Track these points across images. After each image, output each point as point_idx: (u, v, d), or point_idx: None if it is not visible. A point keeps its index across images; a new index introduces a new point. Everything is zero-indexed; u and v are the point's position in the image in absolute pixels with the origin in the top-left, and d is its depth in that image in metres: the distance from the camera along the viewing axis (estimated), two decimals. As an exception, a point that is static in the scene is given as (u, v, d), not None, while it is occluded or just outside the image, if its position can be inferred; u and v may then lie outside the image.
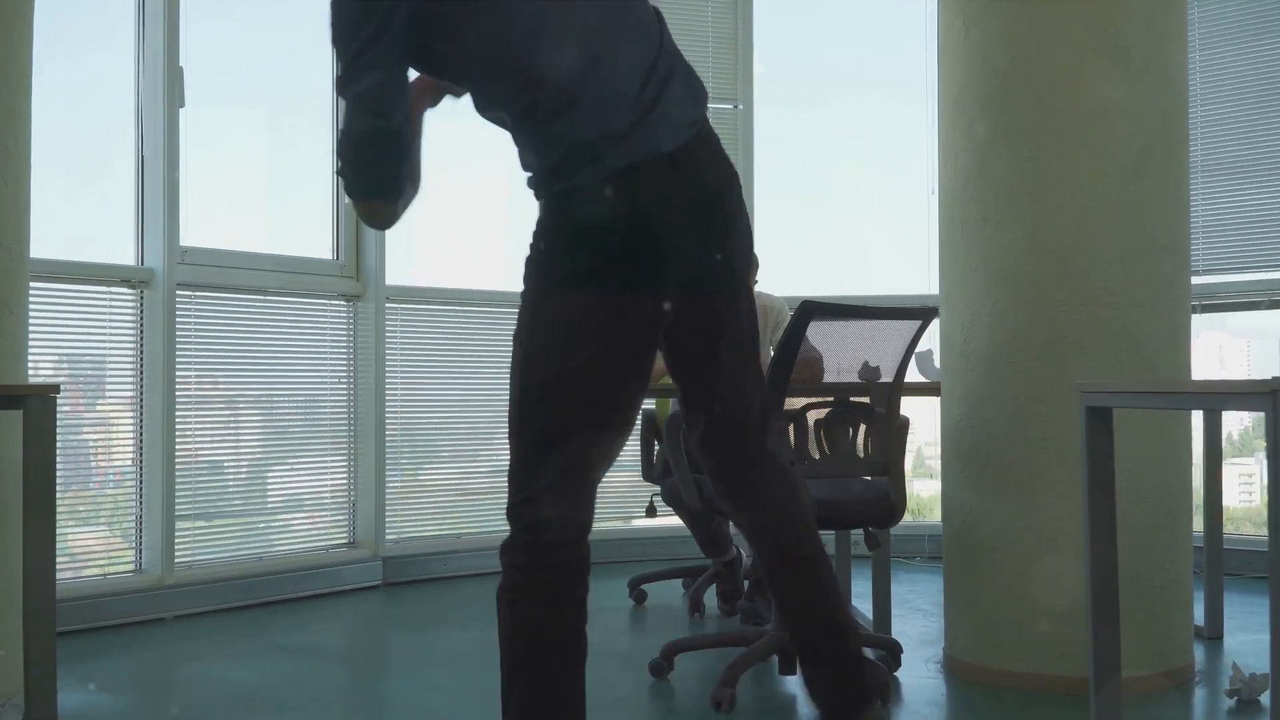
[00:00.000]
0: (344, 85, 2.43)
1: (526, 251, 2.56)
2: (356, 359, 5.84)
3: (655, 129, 2.45)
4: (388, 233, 5.79)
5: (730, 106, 6.65)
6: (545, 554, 2.44)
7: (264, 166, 5.84)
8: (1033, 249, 3.88)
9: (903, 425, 3.89)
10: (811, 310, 3.59)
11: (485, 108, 2.61)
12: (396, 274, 5.90)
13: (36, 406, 2.64)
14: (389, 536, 5.88)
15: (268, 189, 5.86)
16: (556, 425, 2.45)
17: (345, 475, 5.82)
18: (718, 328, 2.62)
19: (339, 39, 2.43)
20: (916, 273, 6.82)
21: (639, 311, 2.49)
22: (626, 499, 6.49)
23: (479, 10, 2.43)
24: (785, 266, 6.80)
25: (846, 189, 7.06)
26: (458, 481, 6.23)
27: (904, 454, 3.88)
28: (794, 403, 3.78)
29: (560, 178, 2.46)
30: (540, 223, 2.52)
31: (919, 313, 3.82)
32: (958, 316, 4.04)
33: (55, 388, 2.71)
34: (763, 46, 6.70)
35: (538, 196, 2.54)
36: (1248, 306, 6.17)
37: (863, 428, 3.84)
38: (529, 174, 2.55)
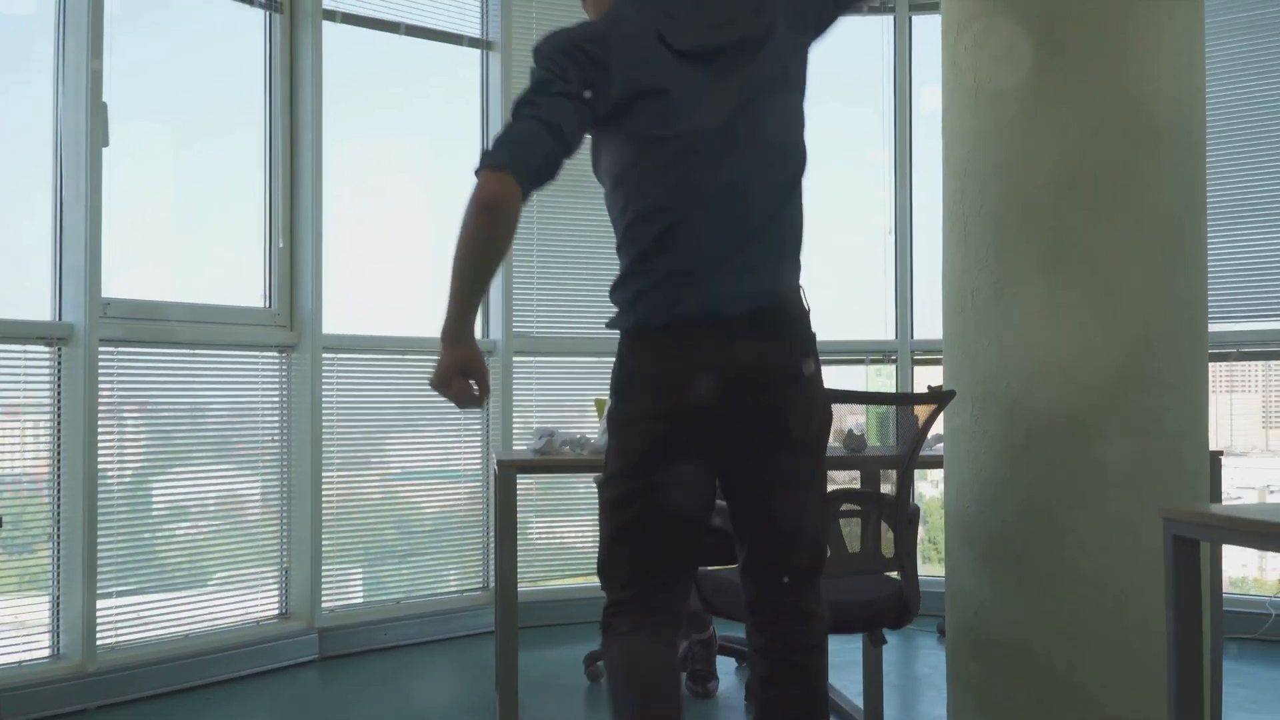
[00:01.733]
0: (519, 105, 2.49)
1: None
2: (291, 415, 5.42)
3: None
4: (325, 276, 5.40)
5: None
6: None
7: (189, 207, 5.39)
8: (1052, 326, 3.61)
9: (914, 515, 3.60)
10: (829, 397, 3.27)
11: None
12: (334, 321, 5.49)
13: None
14: (324, 605, 5.47)
15: (193, 231, 5.41)
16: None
17: (277, 541, 5.40)
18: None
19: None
20: (873, 316, 6.58)
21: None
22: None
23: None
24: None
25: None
26: (395, 543, 5.83)
27: (916, 546, 3.59)
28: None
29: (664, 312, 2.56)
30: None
31: (936, 396, 3.53)
32: (967, 394, 3.76)
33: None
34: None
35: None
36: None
37: (865, 518, 3.54)
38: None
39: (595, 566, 2.70)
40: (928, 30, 6.46)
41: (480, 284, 2.42)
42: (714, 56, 2.57)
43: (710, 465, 2.60)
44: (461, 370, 2.43)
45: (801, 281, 2.74)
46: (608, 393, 2.69)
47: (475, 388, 2.45)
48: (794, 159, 2.70)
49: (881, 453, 4.39)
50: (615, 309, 2.65)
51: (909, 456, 3.56)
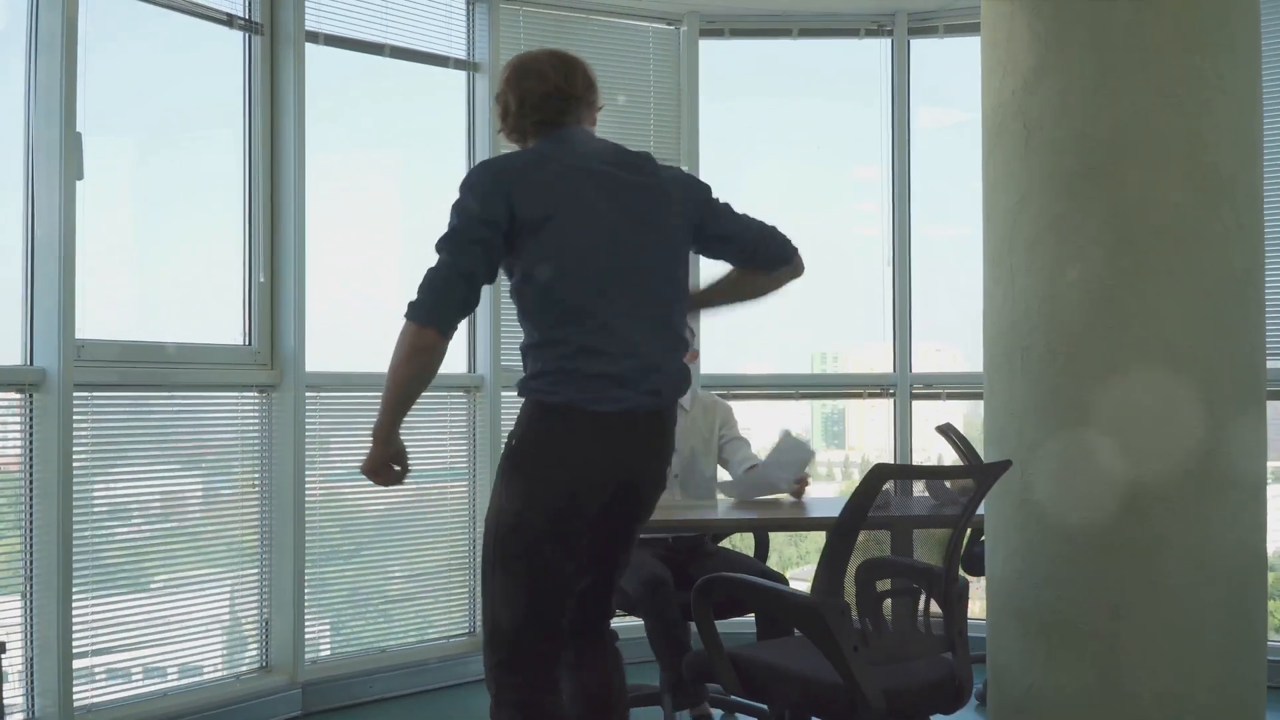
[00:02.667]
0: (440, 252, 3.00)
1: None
2: (272, 458, 5.13)
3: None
4: (308, 312, 5.13)
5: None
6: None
7: (164, 238, 5.10)
8: (1109, 390, 3.42)
9: (964, 590, 3.39)
10: (885, 473, 3.07)
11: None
12: (318, 359, 5.21)
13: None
14: (308, 657, 5.19)
15: (168, 264, 5.12)
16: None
17: (257, 590, 5.11)
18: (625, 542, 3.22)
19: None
20: (874, 348, 6.38)
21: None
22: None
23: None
24: (729, 339, 6.33)
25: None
26: (381, 587, 5.56)
27: (967, 623, 3.38)
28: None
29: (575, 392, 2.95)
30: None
31: (994, 468, 3.31)
32: (1014, 457, 3.55)
33: None
34: (708, 104, 6.16)
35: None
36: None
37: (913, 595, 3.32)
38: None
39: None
40: (926, 54, 6.26)
41: (409, 402, 3.00)
42: (617, 190, 3.03)
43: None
44: (392, 461, 3.07)
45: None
46: None
47: (398, 470, 3.11)
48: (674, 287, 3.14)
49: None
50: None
51: (960, 526, 3.34)
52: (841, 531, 3.06)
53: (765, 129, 6.53)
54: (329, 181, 5.33)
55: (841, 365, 6.59)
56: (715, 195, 3.25)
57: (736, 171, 6.37)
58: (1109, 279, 3.43)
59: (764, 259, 3.26)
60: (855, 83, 6.33)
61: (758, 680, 3.28)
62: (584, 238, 2.96)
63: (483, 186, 2.97)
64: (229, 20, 5.01)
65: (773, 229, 3.29)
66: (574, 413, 2.92)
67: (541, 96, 3.10)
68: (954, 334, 6.57)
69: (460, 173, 5.64)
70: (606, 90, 6.04)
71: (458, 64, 5.76)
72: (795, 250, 3.30)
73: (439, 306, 2.91)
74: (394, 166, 5.81)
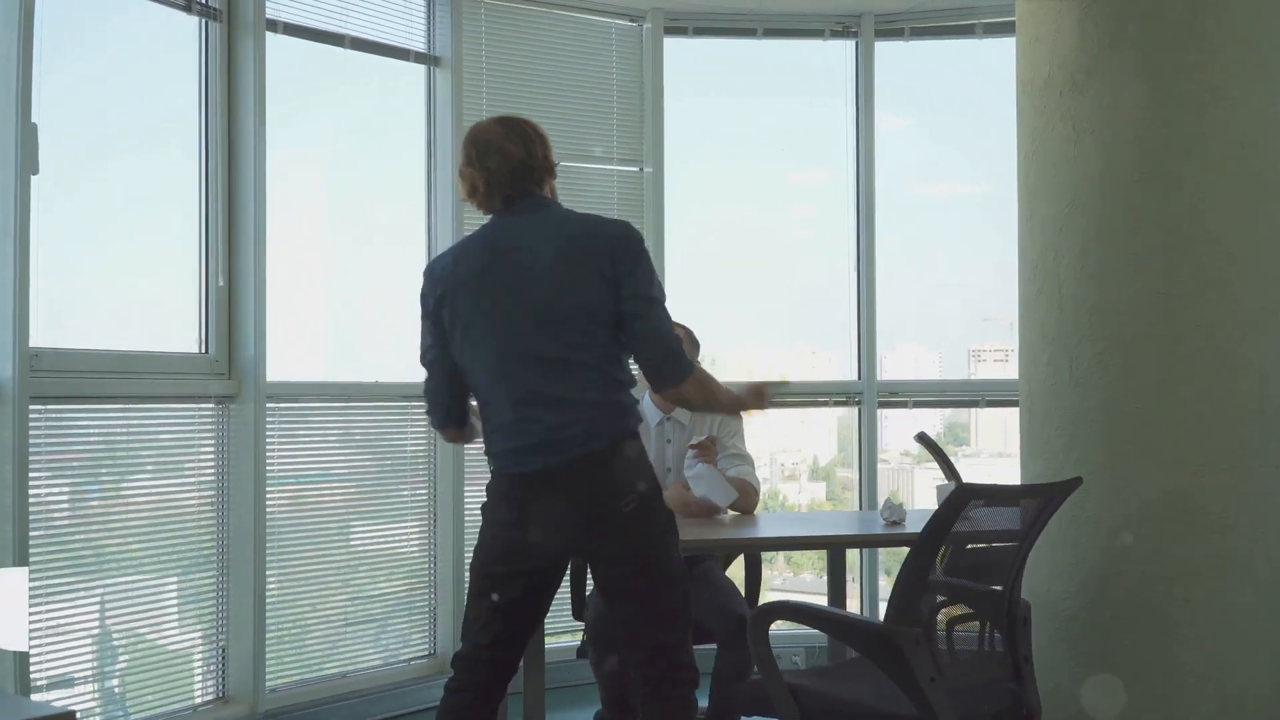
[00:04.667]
0: None
1: None
2: (229, 473, 4.80)
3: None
4: (269, 319, 4.82)
5: (636, 169, 5.90)
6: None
7: (115, 238, 4.75)
8: (1165, 401, 3.31)
9: (1027, 612, 3.24)
10: (971, 493, 2.90)
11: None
12: (279, 368, 4.90)
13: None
14: (269, 685, 4.87)
15: (120, 267, 4.77)
16: None
17: (214, 615, 4.78)
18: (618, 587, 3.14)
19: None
20: (835, 356, 6.25)
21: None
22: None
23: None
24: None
25: (761, 266, 6.39)
26: (343, 610, 5.25)
27: (1031, 648, 3.22)
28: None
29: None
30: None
31: (1065, 486, 3.16)
32: (1062, 471, 3.41)
33: None
34: (674, 103, 5.97)
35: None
36: None
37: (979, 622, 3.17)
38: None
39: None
40: (890, 57, 6.14)
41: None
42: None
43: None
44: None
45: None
46: None
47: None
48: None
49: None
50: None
51: (1024, 548, 3.19)
52: (921, 555, 2.89)
53: (727, 128, 6.35)
54: (287, 179, 5.02)
55: (809, 371, 6.43)
56: (641, 268, 3.11)
57: (698, 170, 6.19)
58: (1164, 288, 3.32)
59: (647, 364, 3.15)
60: (820, 83, 6.18)
61: (818, 712, 3.08)
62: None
63: None
64: (186, 5, 4.68)
65: (671, 347, 3.13)
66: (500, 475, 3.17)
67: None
68: (914, 339, 6.50)
69: (420, 170, 5.49)
70: (567, 87, 5.91)
71: (418, 57, 5.48)
72: (683, 378, 3.14)
73: (433, 412, 3.41)
74: (352, 163, 5.50)
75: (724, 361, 6.36)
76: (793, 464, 6.78)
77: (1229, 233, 3.31)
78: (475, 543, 3.26)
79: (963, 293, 6.35)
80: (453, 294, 3.13)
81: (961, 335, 6.55)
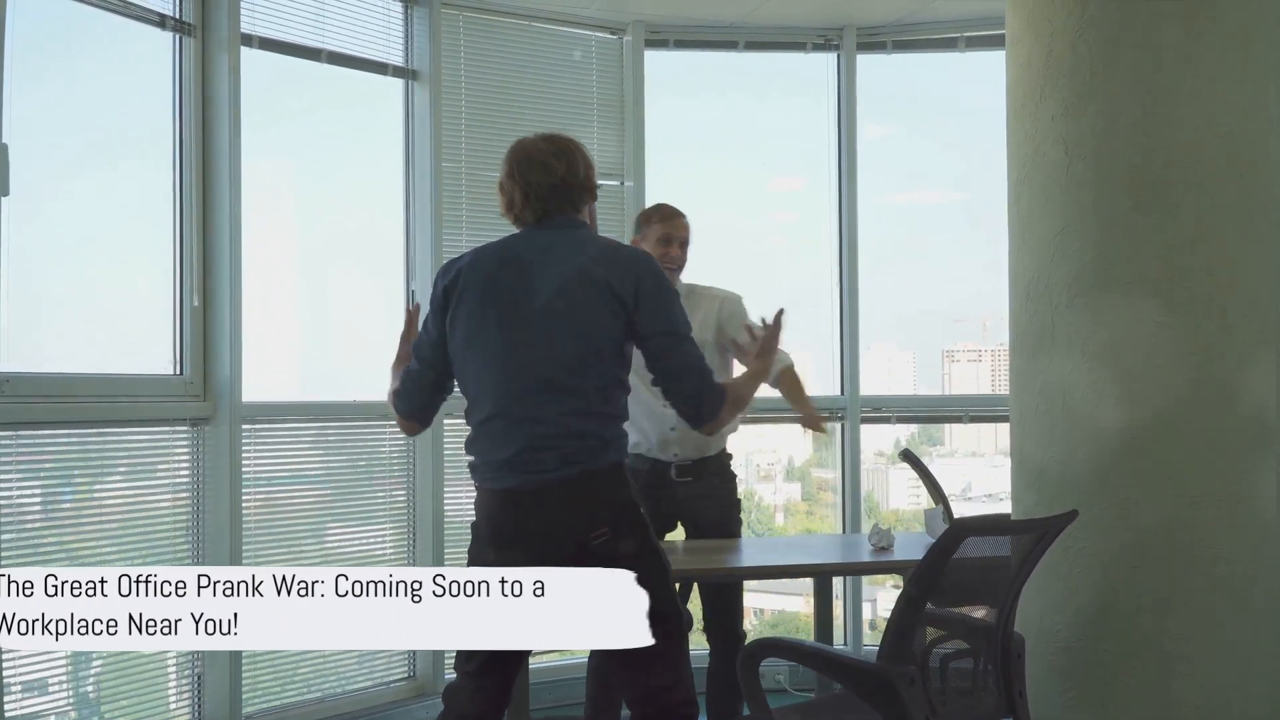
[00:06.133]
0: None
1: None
2: (203, 496, 4.71)
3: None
4: (244, 338, 4.73)
5: (617, 183, 5.83)
6: None
7: (87, 259, 4.65)
8: (1161, 432, 3.26)
9: (1021, 646, 3.19)
10: (968, 528, 2.84)
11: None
12: (256, 388, 4.81)
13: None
14: (245, 710, 4.78)
15: (92, 287, 4.67)
16: None
17: (190, 650, 4.67)
18: None
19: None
20: (817, 371, 6.19)
21: None
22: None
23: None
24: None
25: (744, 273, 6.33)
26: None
27: (1025, 683, 3.18)
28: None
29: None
30: None
31: (1060, 520, 3.11)
32: (1056, 504, 3.36)
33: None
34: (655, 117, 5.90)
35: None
36: None
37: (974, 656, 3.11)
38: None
39: None
40: (873, 70, 6.10)
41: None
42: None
43: None
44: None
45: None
46: None
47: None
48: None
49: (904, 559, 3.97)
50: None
51: (1018, 582, 3.14)
52: (917, 592, 2.84)
53: (708, 138, 6.30)
54: (264, 196, 4.93)
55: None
56: (663, 301, 3.06)
57: (679, 183, 6.12)
58: (1160, 316, 3.27)
59: (680, 403, 3.09)
60: (801, 94, 6.13)
61: None
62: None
63: None
64: (160, 21, 4.58)
65: (701, 387, 3.05)
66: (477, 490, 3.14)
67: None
68: (889, 339, 6.49)
69: (398, 186, 5.40)
70: (546, 100, 5.84)
71: (396, 71, 5.40)
72: (717, 413, 3.08)
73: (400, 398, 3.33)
74: (329, 179, 5.41)
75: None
76: (768, 464, 6.73)
77: (1225, 261, 3.26)
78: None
79: (935, 295, 6.31)
80: (463, 291, 3.08)
81: (935, 337, 6.55)
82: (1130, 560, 3.26)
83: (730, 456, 4.49)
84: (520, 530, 2.99)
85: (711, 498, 4.37)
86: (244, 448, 4.77)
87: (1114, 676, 3.28)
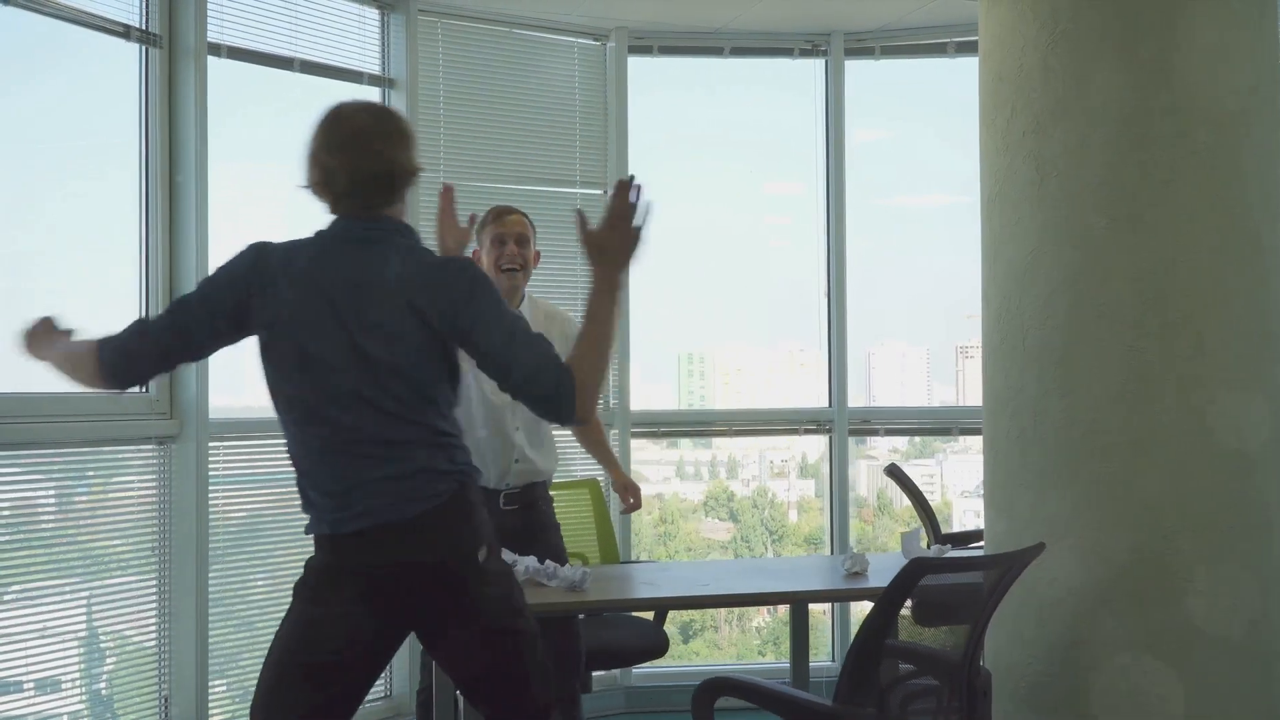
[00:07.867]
0: None
1: None
2: (171, 517, 4.62)
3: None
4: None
5: (600, 193, 5.72)
6: None
7: (47, 277, 4.57)
8: (1135, 460, 3.15)
9: (987, 683, 3.08)
10: (924, 568, 2.74)
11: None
12: (222, 404, 4.72)
13: None
14: (212, 737, 4.71)
15: (59, 308, 4.57)
16: None
17: (155, 665, 4.60)
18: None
19: None
20: (806, 382, 6.10)
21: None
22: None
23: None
24: (664, 373, 6.05)
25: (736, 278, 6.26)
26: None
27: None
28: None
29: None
30: None
31: (1024, 555, 3.00)
32: (1027, 535, 3.25)
33: None
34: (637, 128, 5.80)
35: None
36: None
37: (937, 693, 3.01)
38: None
39: None
40: (861, 76, 5.98)
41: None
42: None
43: None
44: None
45: None
46: None
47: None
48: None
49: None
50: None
51: (982, 619, 3.03)
52: (871, 633, 2.73)
53: (694, 144, 6.20)
54: (232, 207, 4.84)
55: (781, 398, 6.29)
56: (479, 294, 2.68)
57: (665, 188, 6.02)
58: (1134, 341, 3.15)
59: (532, 403, 2.65)
60: (788, 98, 6.02)
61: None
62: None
63: None
64: (125, 32, 4.49)
65: (549, 383, 2.58)
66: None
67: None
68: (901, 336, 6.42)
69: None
70: (527, 108, 5.73)
71: (372, 79, 5.30)
72: (573, 408, 2.58)
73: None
74: (300, 191, 5.30)
75: (713, 360, 6.39)
76: (781, 461, 6.63)
77: (1201, 284, 3.14)
78: None
79: (947, 291, 6.20)
80: (275, 285, 2.80)
81: (947, 333, 6.46)
82: (1103, 593, 3.14)
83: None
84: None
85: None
86: (211, 465, 4.68)
87: (1085, 713, 3.17)
